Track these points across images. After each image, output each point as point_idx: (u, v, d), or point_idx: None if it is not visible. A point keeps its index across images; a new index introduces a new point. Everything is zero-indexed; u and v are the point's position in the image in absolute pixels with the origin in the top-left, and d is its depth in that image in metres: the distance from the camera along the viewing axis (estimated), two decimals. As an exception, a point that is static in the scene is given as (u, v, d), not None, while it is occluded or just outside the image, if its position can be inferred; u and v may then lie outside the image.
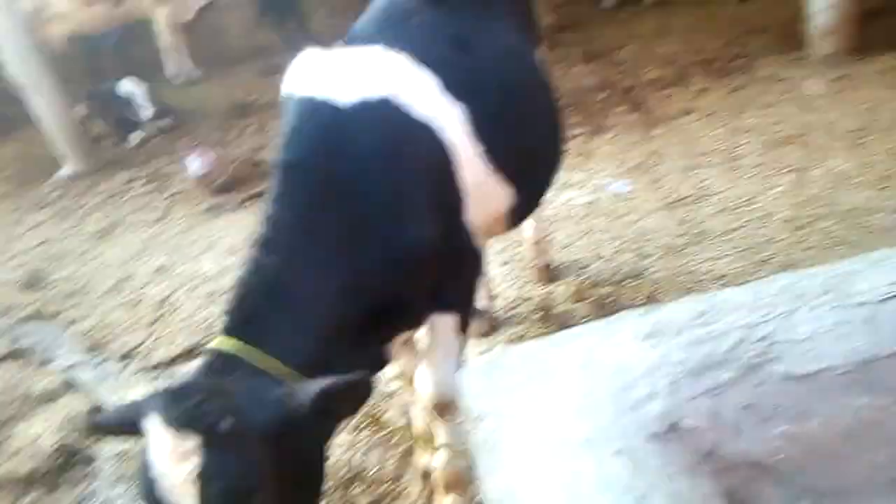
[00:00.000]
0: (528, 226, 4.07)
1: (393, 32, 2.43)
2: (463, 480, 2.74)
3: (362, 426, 3.45)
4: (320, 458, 1.93)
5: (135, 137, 8.26)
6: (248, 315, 1.90)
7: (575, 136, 5.87)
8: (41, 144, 8.61)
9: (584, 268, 4.35)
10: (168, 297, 5.02)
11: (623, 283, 4.13)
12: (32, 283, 5.65)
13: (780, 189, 4.70)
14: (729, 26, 7.75)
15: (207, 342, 4.29)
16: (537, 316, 3.97)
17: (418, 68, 2.28)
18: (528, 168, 2.70)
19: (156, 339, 4.59)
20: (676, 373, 1.53)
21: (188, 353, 4.37)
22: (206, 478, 1.59)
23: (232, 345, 1.84)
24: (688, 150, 5.47)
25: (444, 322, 2.40)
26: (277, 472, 1.70)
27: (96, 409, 3.94)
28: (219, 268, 5.25)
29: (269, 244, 1.98)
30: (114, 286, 5.34)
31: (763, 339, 1.59)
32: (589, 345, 1.62)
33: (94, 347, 4.68)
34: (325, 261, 1.99)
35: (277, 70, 9.15)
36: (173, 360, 4.35)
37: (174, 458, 1.60)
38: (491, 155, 2.38)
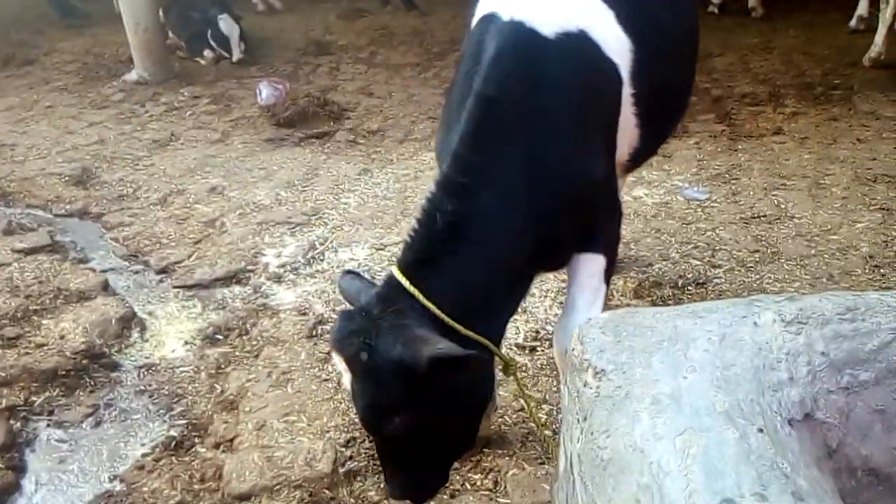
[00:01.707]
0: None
1: None
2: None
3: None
4: (471, 392, 2.02)
5: (208, 56, 8.21)
6: (422, 257, 1.98)
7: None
8: (112, 45, 8.65)
9: (648, 266, 4.17)
10: (217, 218, 4.93)
11: (686, 289, 3.95)
12: (81, 180, 5.58)
13: (863, 225, 4.47)
14: (834, 54, 7.50)
15: (251, 270, 4.30)
16: (589, 307, 3.81)
17: (600, 2, 2.23)
18: (662, 114, 2.60)
19: (198, 258, 4.49)
20: (817, 363, 1.49)
21: (229, 278, 4.27)
22: (354, 392, 1.92)
23: (403, 278, 1.94)
24: (772, 170, 5.25)
25: (593, 263, 2.26)
26: (416, 399, 1.86)
27: (128, 318, 3.84)
28: (272, 199, 5.15)
29: (453, 187, 1.96)
30: (163, 198, 5.26)
31: (911, 345, 1.52)
32: (728, 320, 1.57)
33: (134, 255, 4.60)
34: (504, 216, 1.98)
35: (360, 14, 9.11)
36: (213, 282, 4.24)
37: (341, 369, 1.93)
38: (639, 96, 2.29)
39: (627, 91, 2.25)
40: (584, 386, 1.62)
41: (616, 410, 1.49)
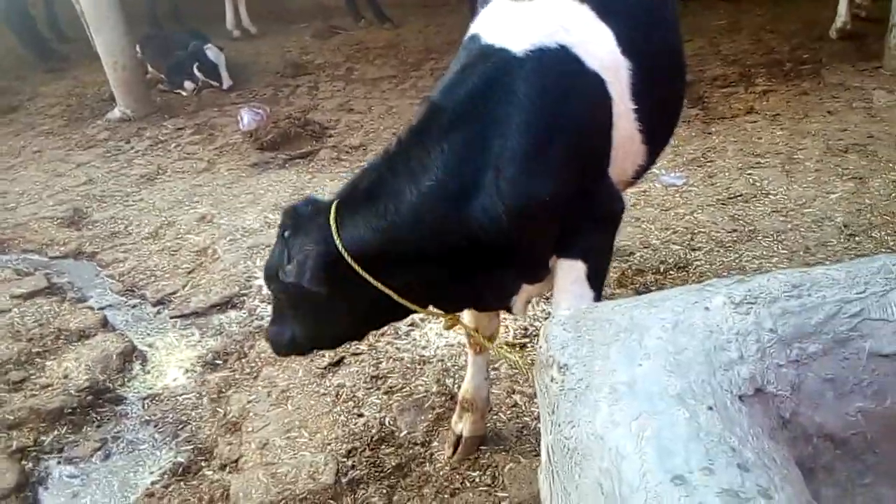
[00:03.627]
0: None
1: None
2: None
3: (395, 389, 3.42)
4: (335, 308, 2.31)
5: (189, 86, 8.30)
6: (347, 199, 2.24)
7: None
8: (93, 85, 8.74)
9: (630, 255, 4.27)
10: (208, 246, 5.02)
11: (668, 274, 4.06)
12: (73, 221, 5.68)
13: (837, 195, 4.58)
14: (801, 29, 7.61)
15: (245, 294, 4.40)
16: (577, 299, 3.90)
17: (598, 20, 2.27)
18: (663, 127, 2.65)
19: (192, 287, 4.58)
20: (766, 340, 1.56)
21: (224, 304, 4.36)
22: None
23: (333, 210, 2.21)
24: (746, 149, 5.36)
25: (572, 270, 2.28)
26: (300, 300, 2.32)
27: (128, 352, 3.95)
28: (261, 222, 5.25)
29: (389, 158, 2.23)
30: (154, 232, 5.35)
31: (854, 315, 1.61)
32: (680, 307, 1.65)
33: (130, 290, 4.70)
34: (423, 184, 2.14)
35: (334, 31, 9.16)
36: (209, 309, 4.33)
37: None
38: (640, 114, 2.31)
39: (626, 108, 2.27)
40: (551, 381, 1.71)
41: (578, 402, 1.58)
